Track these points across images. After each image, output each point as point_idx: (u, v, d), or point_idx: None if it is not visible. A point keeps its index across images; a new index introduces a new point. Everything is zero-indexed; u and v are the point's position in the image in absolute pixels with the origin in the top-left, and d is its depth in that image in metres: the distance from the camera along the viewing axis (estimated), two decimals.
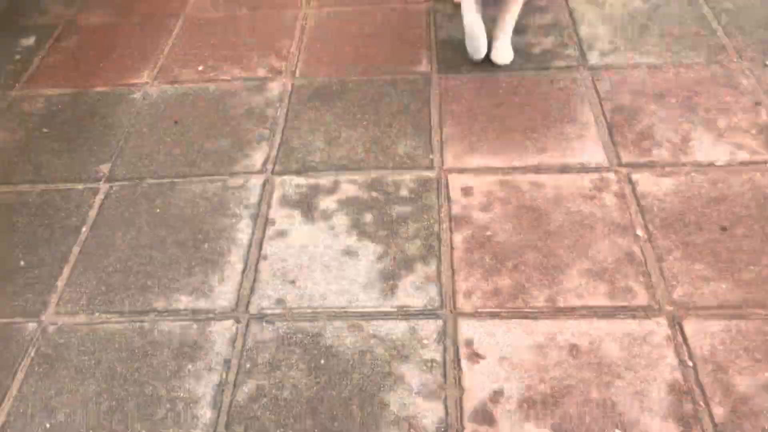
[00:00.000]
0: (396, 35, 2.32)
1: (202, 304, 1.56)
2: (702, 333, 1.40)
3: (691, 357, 1.36)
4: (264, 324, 1.50)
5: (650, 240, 1.59)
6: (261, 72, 2.22)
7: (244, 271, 1.61)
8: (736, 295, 1.46)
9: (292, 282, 1.58)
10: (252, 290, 1.57)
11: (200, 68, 2.27)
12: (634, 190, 1.71)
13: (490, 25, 2.12)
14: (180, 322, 1.53)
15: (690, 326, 1.41)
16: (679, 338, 1.39)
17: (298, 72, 2.21)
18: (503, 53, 2.11)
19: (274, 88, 2.15)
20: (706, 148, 1.80)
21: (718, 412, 1.27)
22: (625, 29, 2.24)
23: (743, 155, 1.77)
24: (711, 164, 1.76)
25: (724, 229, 1.59)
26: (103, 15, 2.59)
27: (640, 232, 1.61)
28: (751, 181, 1.70)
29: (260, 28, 2.43)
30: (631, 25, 2.25)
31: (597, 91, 2.00)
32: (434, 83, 2.10)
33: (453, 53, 2.22)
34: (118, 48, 2.41)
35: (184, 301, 1.57)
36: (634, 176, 1.73)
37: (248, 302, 1.55)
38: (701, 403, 1.29)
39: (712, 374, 1.33)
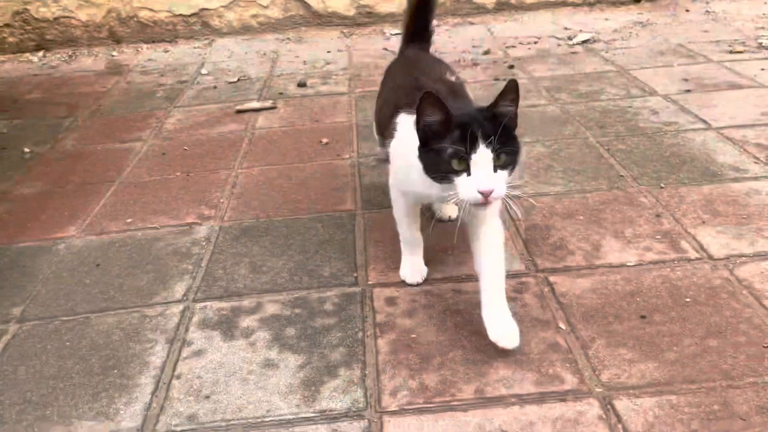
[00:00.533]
0: (323, 183, 2.45)
1: (103, 428, 1.42)
2: (634, 410, 1.35)
3: None
4: None
5: (573, 331, 1.59)
6: (189, 219, 2.27)
7: (154, 392, 1.50)
8: (663, 373, 1.44)
9: (207, 397, 1.48)
10: (162, 409, 1.46)
11: (129, 220, 2.31)
12: (552, 290, 1.73)
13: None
14: None
15: (622, 404, 1.36)
16: (613, 418, 1.33)
17: (226, 217, 2.27)
18: (509, 332, 1.50)
19: (202, 231, 2.19)
20: (617, 253, 1.88)
21: None
22: (530, 168, 2.43)
23: (651, 256, 1.85)
24: (623, 265, 1.82)
25: (643, 317, 1.61)
26: (39, 186, 2.66)
27: (562, 325, 1.61)
28: (662, 276, 1.76)
29: (192, 186, 2.53)
30: (536, 166, 2.45)
31: (510, 215, 2.10)
32: (358, 217, 2.19)
33: (376, 193, 2.34)
34: (48, 210, 2.45)
35: (85, 427, 1.43)
36: (552, 278, 1.77)
37: (156, 422, 1.42)
38: None
39: None
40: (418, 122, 1.40)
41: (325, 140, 2.83)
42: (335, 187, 2.41)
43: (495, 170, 1.37)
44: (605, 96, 3.10)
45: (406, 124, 1.56)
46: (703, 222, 1.99)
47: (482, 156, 1.35)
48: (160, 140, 3.01)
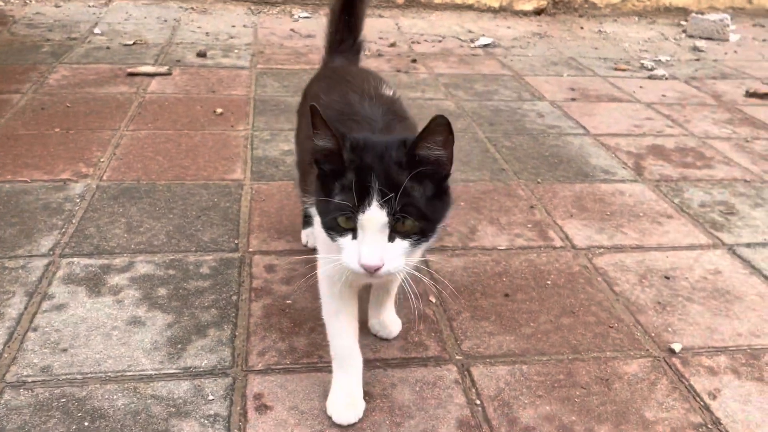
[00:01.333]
0: (213, 152, 2.41)
1: None
2: (488, 377, 1.43)
3: (479, 396, 1.37)
4: (21, 391, 1.30)
5: (442, 304, 1.66)
6: (65, 175, 2.16)
7: (6, 343, 1.43)
8: (519, 345, 1.53)
9: (64, 350, 1.42)
10: (14, 360, 1.38)
11: None
12: (427, 265, 1.80)
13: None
14: None
15: (477, 371, 1.44)
16: (468, 382, 1.41)
17: (105, 176, 2.18)
18: (393, 324, 1.52)
19: (77, 188, 2.09)
20: (491, 237, 1.98)
21: None
22: None
23: (521, 242, 1.96)
24: (494, 248, 1.92)
25: (506, 295, 1.71)
26: None
27: (432, 299, 1.68)
28: (529, 260, 1.87)
29: (71, 143, 2.40)
30: None
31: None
32: (246, 187, 2.17)
33: (266, 166, 2.32)
34: None
35: None
36: (428, 256, 1.84)
37: (5, 372, 1.35)
38: None
39: (499, 410, 1.34)
40: (314, 146, 1.05)
41: (219, 110, 2.78)
42: (225, 157, 2.37)
43: (392, 238, 1.02)
44: (498, 96, 3.24)
45: None
46: (571, 216, 2.14)
47: (372, 218, 0.99)
48: (40, 95, 2.84)
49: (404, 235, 1.02)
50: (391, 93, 1.40)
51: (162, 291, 1.63)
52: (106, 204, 2.00)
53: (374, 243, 1.00)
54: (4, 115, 2.60)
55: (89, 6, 4.29)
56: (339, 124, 1.15)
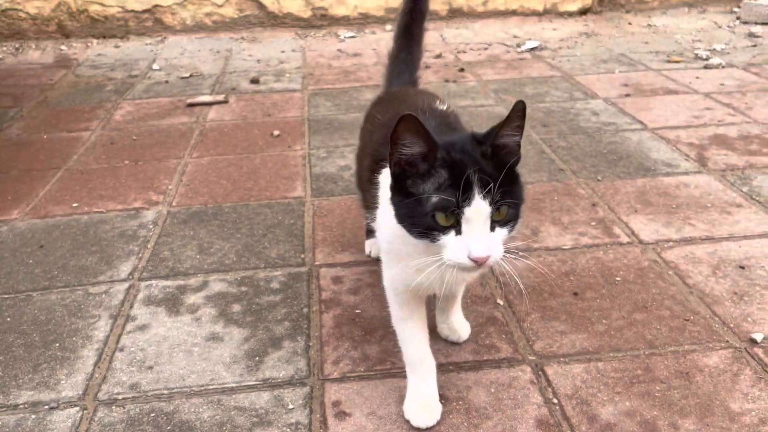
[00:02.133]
0: (273, 173, 2.48)
1: (44, 396, 1.41)
2: (563, 375, 1.42)
3: (555, 395, 1.36)
4: (113, 408, 1.37)
5: (510, 306, 1.66)
6: (137, 204, 2.27)
7: (96, 363, 1.50)
8: (592, 343, 1.52)
9: (150, 368, 1.48)
10: (104, 379, 1.46)
11: (74, 205, 2.29)
12: (491, 270, 1.80)
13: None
14: (17, 415, 1.36)
15: (552, 370, 1.43)
16: (543, 381, 1.40)
17: (174, 202, 2.27)
18: (462, 328, 1.53)
19: (149, 215, 2.19)
20: (554, 237, 1.96)
21: None
22: None
23: (586, 240, 1.94)
24: (559, 248, 1.91)
25: (575, 294, 1.69)
26: None
27: (500, 301, 1.68)
28: (595, 258, 1.85)
29: (140, 174, 2.52)
30: None
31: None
32: (308, 204, 2.22)
33: (325, 183, 2.38)
34: None
35: (24, 396, 1.42)
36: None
37: (98, 390, 1.42)
38: None
39: (578, 408, 1.33)
40: (391, 154, 1.04)
41: (276, 132, 2.86)
42: (285, 176, 2.44)
43: (492, 228, 1.04)
44: (549, 98, 3.22)
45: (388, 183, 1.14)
46: (636, 211, 2.10)
47: (478, 209, 1.01)
48: (108, 131, 2.98)
49: (502, 223, 1.05)
50: (445, 107, 1.43)
51: (236, 307, 1.68)
52: (177, 228, 2.09)
53: (482, 234, 1.02)
54: (77, 151, 2.74)
55: (146, 44, 4.49)
56: None
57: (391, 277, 1.29)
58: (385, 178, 1.21)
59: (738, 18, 4.68)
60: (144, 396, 1.40)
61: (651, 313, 1.61)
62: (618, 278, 1.76)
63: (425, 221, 1.04)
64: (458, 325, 1.53)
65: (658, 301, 1.65)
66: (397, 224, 1.10)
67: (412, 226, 1.06)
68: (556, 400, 1.35)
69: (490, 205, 1.01)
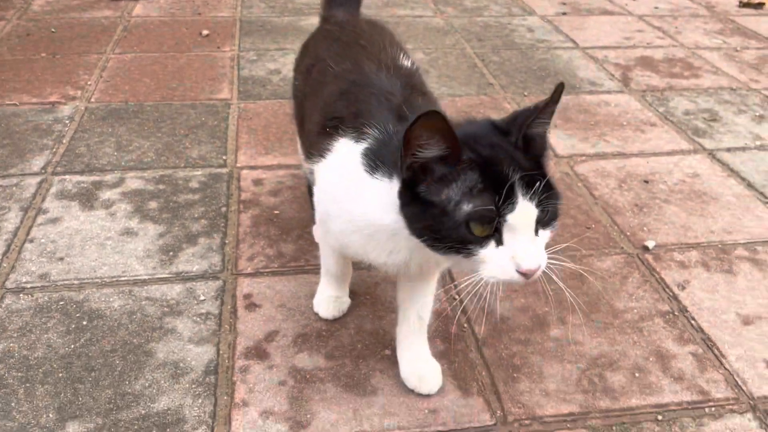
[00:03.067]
0: (200, 73, 2.41)
1: None
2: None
3: (458, 293, 1.44)
4: (21, 295, 1.37)
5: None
6: (53, 98, 2.18)
7: (5, 254, 1.49)
8: None
9: (60, 259, 1.48)
10: (12, 269, 1.45)
11: None
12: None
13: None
14: None
15: (457, 270, 1.50)
16: (447, 279, 1.47)
17: (93, 98, 2.19)
18: (429, 376, 1.21)
19: (65, 110, 2.11)
20: None
21: (481, 330, 1.34)
22: None
23: None
24: None
25: None
26: None
27: None
28: None
29: (58, 68, 2.40)
30: None
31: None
32: (233, 106, 2.18)
33: (253, 86, 2.33)
34: None
35: None
36: None
37: (5, 279, 1.42)
38: (465, 325, 1.35)
39: (477, 303, 1.41)
40: (403, 156, 0.87)
41: (205, 32, 2.76)
42: (212, 77, 2.38)
43: (536, 231, 0.89)
44: (488, 12, 3.20)
45: (348, 154, 1.01)
46: (556, 126, 2.16)
47: (524, 214, 0.85)
48: (25, 21, 2.81)
49: (545, 224, 0.89)
50: (410, 64, 1.26)
51: (153, 204, 1.67)
52: (95, 125, 2.03)
53: (530, 242, 0.86)
54: None
55: None
56: (352, 96, 1.09)
57: (325, 230, 1.15)
58: (341, 146, 1.04)
59: None
60: (53, 285, 1.40)
61: None
62: None
63: (456, 234, 0.85)
64: (427, 368, 1.22)
65: (564, 210, 1.73)
66: (374, 207, 0.96)
67: (437, 240, 0.88)
68: (457, 297, 1.42)
69: (537, 206, 0.85)
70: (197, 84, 2.31)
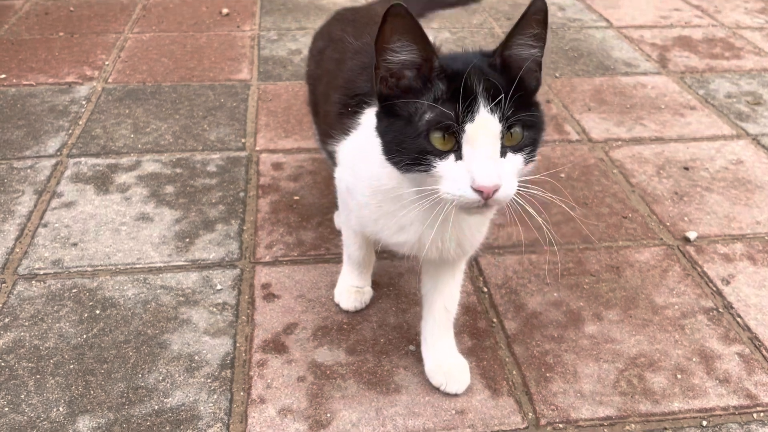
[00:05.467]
0: (219, 53, 2.34)
1: None
2: (496, 266, 1.42)
3: (486, 284, 1.36)
4: (33, 282, 1.33)
5: None
6: (70, 78, 2.13)
7: (18, 238, 1.44)
8: (527, 236, 1.50)
9: (74, 245, 1.43)
10: (25, 254, 1.40)
11: (2, 76, 2.13)
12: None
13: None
14: None
15: (485, 261, 1.43)
16: (475, 271, 1.40)
17: (110, 78, 2.14)
18: (456, 373, 1.14)
19: (82, 90, 2.06)
20: None
21: (511, 326, 1.27)
22: None
23: None
24: None
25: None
26: None
27: None
28: (540, 153, 1.82)
29: (75, 47, 2.35)
30: None
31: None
32: (253, 87, 2.11)
33: (274, 66, 2.26)
34: None
35: None
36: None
37: (18, 265, 1.37)
38: (494, 320, 1.28)
39: (506, 296, 1.33)
40: (377, 66, 0.85)
41: (225, 11, 2.68)
42: (231, 57, 2.31)
43: (503, 153, 0.83)
44: None
45: (370, 125, 0.94)
46: (589, 109, 2.06)
47: (484, 126, 0.81)
48: (43, 0, 2.76)
49: (516, 149, 0.84)
50: (432, 39, 1.25)
51: (169, 188, 1.62)
52: (111, 106, 1.97)
53: (489, 157, 0.81)
54: (8, 21, 2.54)
55: None
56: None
57: (351, 220, 1.10)
58: (367, 118, 1.00)
59: None
60: (67, 272, 1.35)
61: (591, 209, 1.60)
62: (562, 175, 1.74)
63: (417, 144, 0.82)
64: (454, 364, 1.15)
65: (599, 198, 1.65)
66: (379, 167, 0.91)
67: (401, 154, 0.84)
68: (486, 289, 1.35)
69: (500, 121, 0.81)
70: (216, 64, 2.25)
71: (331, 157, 1.18)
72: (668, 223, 1.56)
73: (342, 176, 1.10)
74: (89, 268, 1.37)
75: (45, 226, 1.48)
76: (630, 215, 1.59)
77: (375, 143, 0.90)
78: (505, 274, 1.39)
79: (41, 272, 1.35)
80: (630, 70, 2.32)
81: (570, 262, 1.43)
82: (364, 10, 1.40)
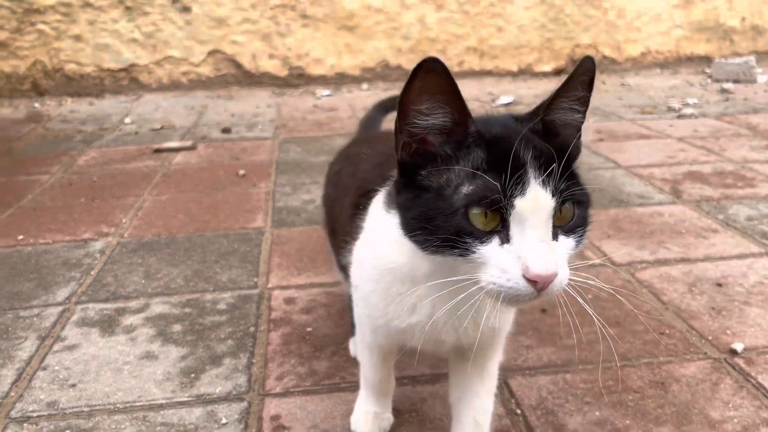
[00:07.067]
0: (234, 207, 2.39)
1: None
2: (528, 387, 1.29)
3: (519, 406, 1.23)
4: (25, 425, 1.22)
5: None
6: (86, 235, 2.16)
7: (14, 382, 1.35)
8: (560, 356, 1.40)
9: (72, 386, 1.34)
10: (20, 397, 1.30)
11: (20, 237, 2.17)
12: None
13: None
14: None
15: (515, 382, 1.30)
16: (506, 393, 1.27)
17: (126, 234, 2.16)
18: None
19: (97, 245, 2.07)
20: None
21: None
22: None
23: None
24: None
25: (543, 311, 1.58)
26: None
27: None
28: None
29: (95, 210, 2.42)
30: None
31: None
32: (267, 233, 2.12)
33: (288, 215, 2.29)
34: None
35: None
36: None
37: (11, 409, 1.27)
38: None
39: (542, 417, 1.19)
40: (399, 130, 0.74)
41: (242, 172, 2.79)
42: (247, 210, 2.35)
43: (554, 235, 0.73)
44: None
45: (384, 213, 0.85)
46: (608, 236, 2.02)
47: (536, 201, 0.70)
48: (69, 174, 2.90)
49: (567, 230, 0.73)
50: None
51: (177, 327, 1.55)
52: (125, 257, 1.97)
53: (542, 240, 0.69)
54: (33, 191, 2.65)
55: (121, 102, 4.48)
56: (386, 165, 0.91)
57: (363, 317, 0.98)
58: (376, 206, 0.90)
59: (710, 77, 4.78)
60: (61, 413, 1.25)
61: (624, 328, 1.50)
62: (589, 296, 1.65)
63: (452, 223, 0.69)
64: None
65: (632, 316, 1.54)
66: (387, 244, 0.80)
67: (429, 233, 0.71)
68: (519, 411, 1.21)
69: (553, 196, 0.70)
70: (231, 216, 2.28)
71: (347, 274, 1.08)
72: (710, 337, 1.44)
73: (354, 271, 1.00)
74: (86, 408, 1.26)
75: (44, 369, 1.40)
76: (667, 331, 1.47)
77: (386, 220, 0.82)
78: (539, 394, 1.26)
79: (34, 414, 1.25)
80: (644, 202, 2.31)
81: (609, 380, 1.30)
82: (378, 134, 1.43)
